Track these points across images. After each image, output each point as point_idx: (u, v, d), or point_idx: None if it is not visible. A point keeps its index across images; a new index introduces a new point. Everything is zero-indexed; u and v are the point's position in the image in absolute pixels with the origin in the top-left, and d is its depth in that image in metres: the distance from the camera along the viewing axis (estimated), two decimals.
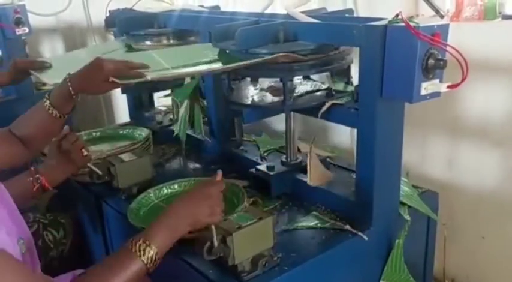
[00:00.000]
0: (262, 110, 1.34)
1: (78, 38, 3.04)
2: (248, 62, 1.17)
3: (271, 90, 1.36)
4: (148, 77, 1.13)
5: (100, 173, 1.44)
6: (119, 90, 1.98)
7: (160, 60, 1.31)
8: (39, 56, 3.33)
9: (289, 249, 1.12)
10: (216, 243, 0.98)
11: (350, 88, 1.29)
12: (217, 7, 1.85)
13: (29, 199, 1.27)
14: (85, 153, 1.31)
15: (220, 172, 1.09)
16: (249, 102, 1.31)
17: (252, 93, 1.35)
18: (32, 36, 2.69)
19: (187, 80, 1.68)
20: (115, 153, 1.52)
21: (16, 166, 1.26)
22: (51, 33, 3.10)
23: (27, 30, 2.51)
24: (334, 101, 1.23)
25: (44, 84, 2.85)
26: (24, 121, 1.22)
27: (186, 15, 1.66)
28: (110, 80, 1.13)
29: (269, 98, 1.32)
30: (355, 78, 1.23)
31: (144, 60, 1.24)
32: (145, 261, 0.92)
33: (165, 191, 1.40)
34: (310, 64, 1.19)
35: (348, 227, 1.19)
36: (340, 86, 1.32)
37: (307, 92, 1.32)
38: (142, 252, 0.91)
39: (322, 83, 1.38)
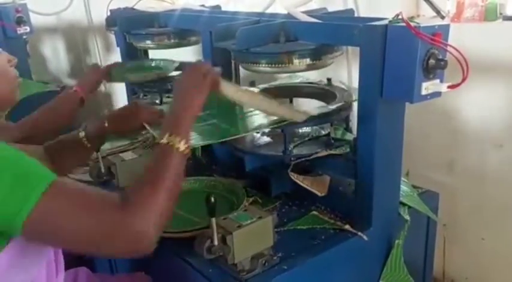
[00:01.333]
0: (263, 158, 1.36)
1: (79, 38, 3.04)
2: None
3: (273, 135, 1.39)
4: None
5: (103, 170, 1.44)
6: (120, 89, 1.99)
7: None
8: (41, 55, 3.34)
9: (288, 249, 1.12)
10: (216, 241, 0.98)
11: (348, 136, 1.33)
12: (218, 7, 1.86)
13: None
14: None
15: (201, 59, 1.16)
16: (250, 149, 1.34)
17: (254, 135, 1.39)
18: (33, 36, 2.70)
19: None
20: (116, 151, 1.52)
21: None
22: (52, 33, 3.11)
23: (28, 29, 2.52)
24: (332, 152, 1.25)
25: (46, 84, 2.86)
26: (59, 144, 1.25)
27: (187, 15, 1.67)
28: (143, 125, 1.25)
29: (270, 145, 1.35)
30: (355, 79, 1.24)
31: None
32: (181, 148, 0.93)
33: None
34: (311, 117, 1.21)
35: (347, 226, 1.19)
36: (338, 134, 1.37)
37: (309, 138, 1.37)
38: (174, 143, 0.93)
39: (322, 128, 1.42)
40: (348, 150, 1.25)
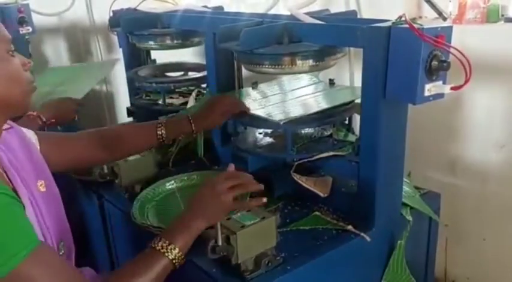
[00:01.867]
0: (266, 158, 1.36)
1: (81, 38, 3.05)
2: None
3: (275, 135, 1.39)
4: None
5: (106, 170, 1.45)
6: (120, 89, 2.00)
7: None
8: (42, 55, 3.34)
9: (291, 249, 1.12)
10: (220, 241, 0.99)
11: (351, 137, 1.35)
12: (221, 8, 1.86)
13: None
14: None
15: (232, 165, 1.11)
16: (253, 150, 1.36)
17: (257, 136, 1.40)
18: (35, 36, 2.70)
19: (191, 103, 1.71)
20: None
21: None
22: (54, 33, 3.11)
23: (30, 29, 2.52)
24: (335, 153, 1.25)
25: None
26: (127, 132, 1.31)
27: (190, 16, 1.67)
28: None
29: (273, 145, 1.36)
30: (358, 79, 1.24)
31: None
32: (172, 258, 0.94)
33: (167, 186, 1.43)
34: (314, 118, 1.23)
35: (350, 227, 1.19)
36: (341, 135, 1.39)
37: (311, 139, 1.38)
38: (166, 250, 0.94)
39: (324, 129, 1.42)
40: (351, 151, 1.25)
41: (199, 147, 1.67)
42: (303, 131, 1.44)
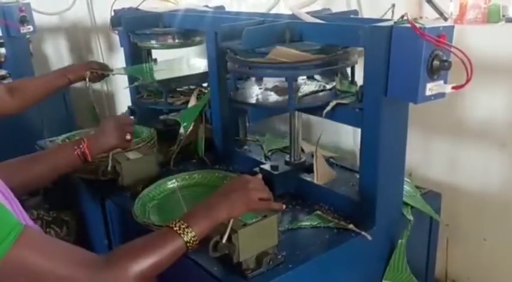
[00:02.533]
0: (267, 110, 1.35)
1: (81, 37, 3.05)
2: None
3: (276, 89, 1.37)
4: None
5: (109, 167, 1.45)
6: (122, 90, 2.00)
7: None
8: (43, 54, 3.35)
9: (293, 248, 1.13)
10: (225, 238, 0.99)
11: (354, 88, 1.30)
12: (222, 7, 1.86)
13: (69, 167, 1.32)
14: (128, 137, 1.38)
15: (259, 176, 1.13)
16: (254, 101, 1.32)
17: (256, 92, 1.36)
18: (36, 35, 2.71)
19: (192, 102, 1.71)
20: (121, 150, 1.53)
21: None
22: (55, 32, 3.12)
23: (31, 28, 2.53)
24: (339, 101, 1.24)
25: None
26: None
27: (192, 15, 1.68)
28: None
29: (274, 97, 1.33)
30: (359, 77, 1.24)
31: None
32: (186, 240, 0.94)
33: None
34: (315, 64, 1.20)
35: (351, 226, 1.19)
36: (344, 86, 1.34)
37: (312, 92, 1.33)
38: (183, 232, 0.94)
39: (326, 83, 1.39)
40: (354, 99, 1.23)
41: (200, 147, 1.67)
42: (304, 86, 1.38)
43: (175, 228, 0.94)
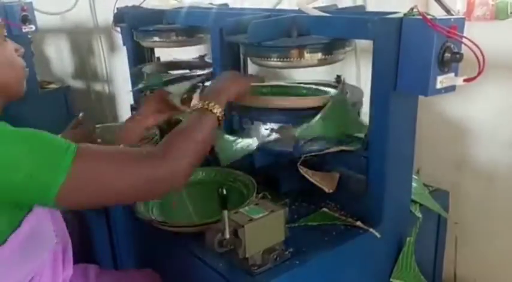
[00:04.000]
0: (273, 153, 1.33)
1: (83, 38, 3.04)
2: None
3: (282, 131, 1.37)
4: None
5: None
6: (122, 88, 1.99)
7: None
8: (45, 54, 3.33)
9: (299, 245, 1.10)
10: (227, 234, 0.97)
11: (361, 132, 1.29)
12: (226, 5, 1.85)
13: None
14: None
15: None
16: (259, 145, 1.32)
17: (262, 132, 1.36)
18: (38, 34, 2.70)
19: (195, 101, 1.67)
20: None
21: None
22: (57, 32, 3.11)
23: (33, 28, 2.52)
24: (343, 148, 1.23)
25: (49, 83, 2.85)
26: None
27: (196, 12, 1.66)
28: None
29: (280, 141, 1.31)
30: (367, 76, 1.23)
31: None
32: (218, 114, 1.05)
33: None
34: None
35: (359, 223, 1.17)
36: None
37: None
38: (213, 107, 1.05)
39: None
40: (360, 146, 1.23)
41: None
42: None
43: (205, 106, 1.05)
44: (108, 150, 0.90)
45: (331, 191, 1.24)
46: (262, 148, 1.34)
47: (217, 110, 1.05)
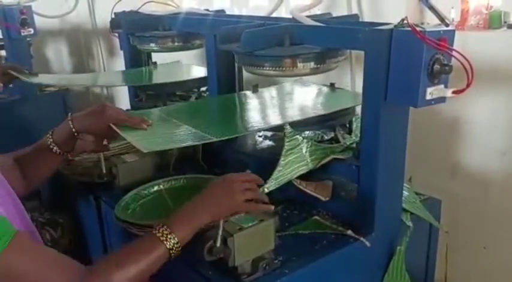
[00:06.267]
0: (266, 160, 1.34)
1: (82, 41, 3.05)
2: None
3: (275, 139, 1.38)
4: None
5: (104, 170, 1.44)
6: (121, 93, 2.00)
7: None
8: (44, 57, 3.34)
9: (290, 253, 1.10)
10: (219, 241, 0.97)
11: (350, 140, 1.33)
12: (222, 11, 1.86)
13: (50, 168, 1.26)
14: (105, 142, 1.30)
15: (249, 171, 1.10)
16: (252, 152, 1.33)
17: (256, 139, 1.36)
18: (37, 38, 2.71)
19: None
20: (117, 152, 1.52)
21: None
22: (56, 35, 3.12)
23: (32, 31, 2.53)
24: (335, 156, 1.24)
25: (48, 86, 2.86)
26: (27, 156, 1.23)
27: (191, 18, 1.67)
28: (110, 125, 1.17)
29: (273, 149, 1.33)
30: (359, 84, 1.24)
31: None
32: (169, 247, 0.94)
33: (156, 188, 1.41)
34: (314, 121, 1.23)
35: (349, 232, 1.18)
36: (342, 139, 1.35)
37: None
38: (165, 238, 0.93)
39: (324, 133, 1.39)
40: (351, 155, 1.24)
41: (197, 150, 1.65)
42: (303, 135, 1.41)
43: (158, 234, 0.93)
44: (44, 254, 0.88)
45: (327, 199, 1.25)
46: (256, 155, 1.34)
47: (172, 242, 0.93)
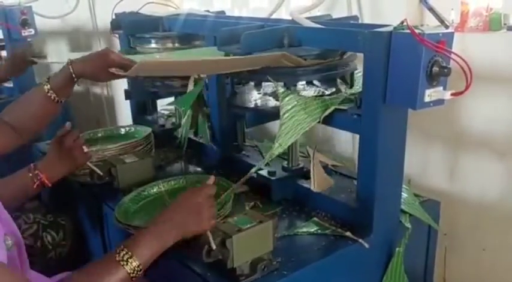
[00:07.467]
0: (264, 114, 1.34)
1: (83, 41, 3.05)
2: (249, 56, 1.18)
3: (275, 95, 1.36)
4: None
5: (100, 173, 1.44)
6: (122, 94, 2.00)
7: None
8: (44, 58, 3.34)
9: (288, 254, 1.11)
10: (213, 248, 0.98)
11: (353, 93, 1.29)
12: (223, 12, 1.86)
13: (28, 195, 1.27)
14: (86, 150, 1.31)
15: (212, 177, 1.08)
16: (251, 106, 1.31)
17: (255, 97, 1.35)
18: (38, 38, 2.71)
19: (190, 87, 1.68)
20: (117, 153, 1.52)
21: (7, 153, 1.25)
22: (57, 36, 3.12)
23: (33, 31, 2.53)
24: (337, 107, 1.23)
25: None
26: (18, 107, 1.22)
27: (192, 19, 1.67)
28: (112, 71, 1.18)
29: (272, 102, 1.32)
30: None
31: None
32: (129, 271, 0.91)
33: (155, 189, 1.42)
34: (314, 69, 1.19)
35: (348, 233, 1.18)
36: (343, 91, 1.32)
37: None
38: (125, 262, 0.90)
39: (326, 89, 1.37)
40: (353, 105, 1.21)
41: (204, 131, 1.64)
42: (303, 92, 1.34)
43: (118, 258, 0.90)
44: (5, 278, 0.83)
45: (317, 190, 1.27)
46: (255, 108, 1.34)
47: (132, 265, 0.90)
